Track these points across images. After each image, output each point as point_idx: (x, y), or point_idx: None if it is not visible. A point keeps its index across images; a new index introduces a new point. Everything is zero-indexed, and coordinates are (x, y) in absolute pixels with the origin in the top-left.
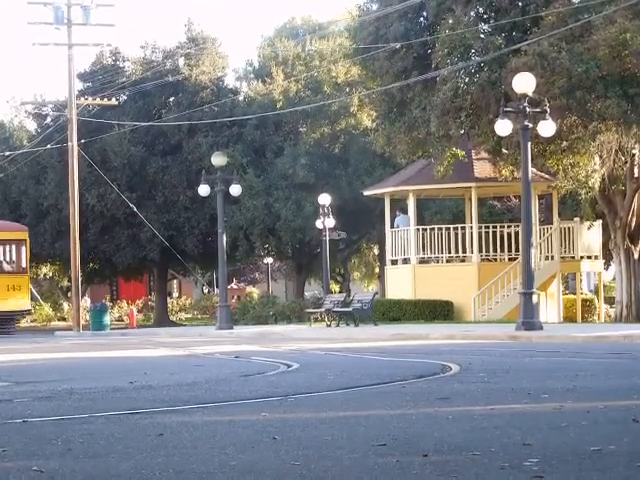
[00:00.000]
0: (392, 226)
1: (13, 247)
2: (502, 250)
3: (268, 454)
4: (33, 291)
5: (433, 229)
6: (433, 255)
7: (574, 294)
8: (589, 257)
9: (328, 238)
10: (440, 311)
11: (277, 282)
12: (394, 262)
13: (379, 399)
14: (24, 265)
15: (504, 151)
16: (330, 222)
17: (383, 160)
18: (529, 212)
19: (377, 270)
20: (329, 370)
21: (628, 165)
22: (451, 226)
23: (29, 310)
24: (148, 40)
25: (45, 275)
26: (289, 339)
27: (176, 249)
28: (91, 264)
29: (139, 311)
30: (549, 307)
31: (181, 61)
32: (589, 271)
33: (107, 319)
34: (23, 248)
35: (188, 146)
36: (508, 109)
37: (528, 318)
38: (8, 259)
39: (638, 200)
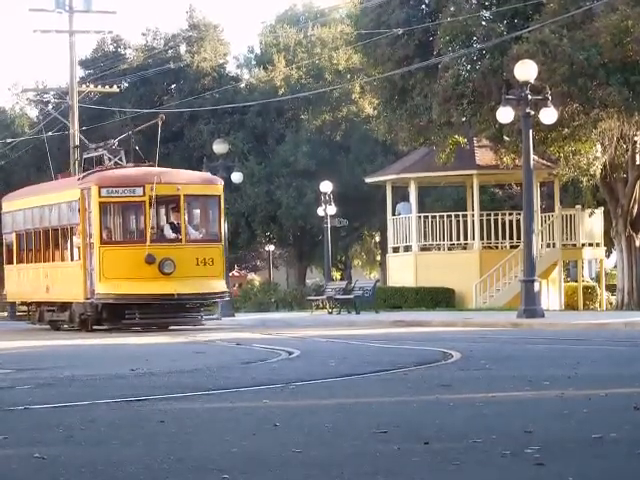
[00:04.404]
0: (393, 213)
1: (203, 206)
2: (503, 237)
3: (269, 441)
4: None
5: (435, 216)
6: (434, 242)
7: (575, 281)
8: (590, 244)
9: (329, 225)
10: (441, 298)
11: (278, 269)
12: (395, 249)
13: (380, 386)
14: (218, 230)
15: (506, 138)
16: (331, 209)
17: (384, 147)
18: (531, 199)
19: (378, 257)
20: (330, 357)
21: (630, 152)
22: (452, 213)
23: (225, 293)
24: (149, 27)
25: None
26: (290, 326)
27: None
28: None
29: None
30: (550, 294)
31: (182, 48)
32: (590, 258)
33: None
34: (216, 207)
35: (189, 133)
36: (510, 96)
37: (529, 305)
38: (196, 222)
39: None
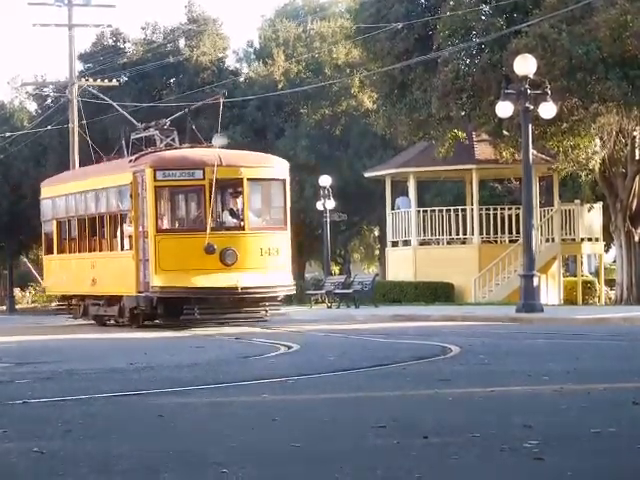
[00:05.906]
0: (393, 208)
1: (267, 191)
2: (503, 232)
3: (268, 436)
4: (33, 271)
5: (434, 211)
6: (434, 237)
7: (575, 276)
8: (590, 239)
9: (329, 220)
10: (441, 293)
11: None
12: (395, 244)
13: (379, 381)
14: (283, 217)
15: (505, 133)
16: (331, 204)
17: (384, 142)
18: (530, 194)
19: (377, 252)
20: (329, 352)
21: (629, 147)
22: (452, 208)
23: (291, 286)
24: (149, 21)
25: None
26: (289, 321)
27: None
28: None
29: None
30: (550, 289)
31: (182, 42)
32: (590, 253)
33: None
34: (281, 192)
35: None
36: (509, 91)
37: (529, 300)
38: (260, 209)
39: (639, 182)
